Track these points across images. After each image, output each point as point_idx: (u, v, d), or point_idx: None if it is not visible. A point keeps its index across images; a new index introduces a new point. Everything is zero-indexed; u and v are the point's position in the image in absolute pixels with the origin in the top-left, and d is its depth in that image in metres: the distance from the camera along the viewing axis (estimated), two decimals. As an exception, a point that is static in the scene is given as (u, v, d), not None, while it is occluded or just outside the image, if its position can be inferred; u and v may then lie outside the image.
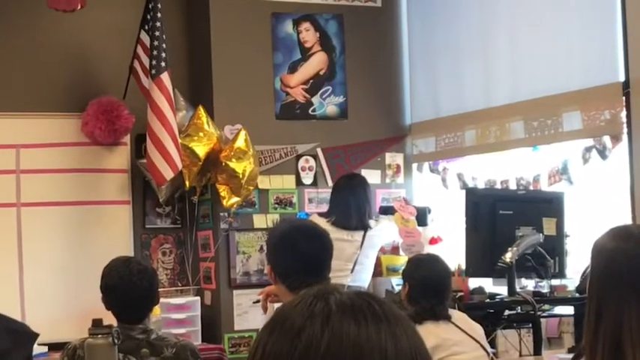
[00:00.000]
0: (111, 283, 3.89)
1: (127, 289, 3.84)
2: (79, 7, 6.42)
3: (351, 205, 6.41)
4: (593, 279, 2.51)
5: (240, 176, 6.65)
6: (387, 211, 6.79)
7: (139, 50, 6.71)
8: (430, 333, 4.36)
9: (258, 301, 4.09)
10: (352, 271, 6.36)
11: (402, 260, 7.03)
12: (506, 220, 5.59)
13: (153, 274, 3.99)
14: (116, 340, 3.38)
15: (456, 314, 4.62)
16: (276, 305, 3.94)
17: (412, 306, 4.51)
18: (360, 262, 6.41)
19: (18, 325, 3.65)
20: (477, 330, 4.60)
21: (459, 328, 4.50)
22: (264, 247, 6.99)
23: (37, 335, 3.63)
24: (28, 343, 3.58)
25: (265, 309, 3.83)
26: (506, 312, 5.50)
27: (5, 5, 6.77)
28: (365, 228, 6.42)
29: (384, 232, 6.65)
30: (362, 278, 6.46)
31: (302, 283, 3.39)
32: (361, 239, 6.39)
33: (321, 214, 6.49)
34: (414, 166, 7.54)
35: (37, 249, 6.73)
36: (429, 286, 4.52)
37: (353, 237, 6.37)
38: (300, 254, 3.55)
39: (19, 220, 6.72)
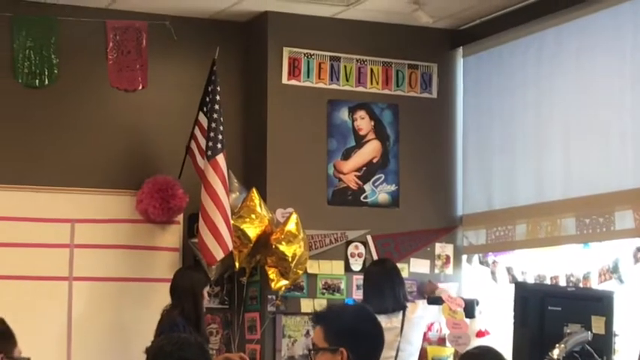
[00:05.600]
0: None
1: None
2: (140, 87, 6.58)
3: (385, 289, 6.37)
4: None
5: (290, 259, 6.68)
6: (435, 301, 6.76)
7: (196, 131, 6.80)
8: None
9: None
10: (395, 359, 6.30)
11: (447, 352, 7.00)
12: (554, 317, 5.53)
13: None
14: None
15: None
16: None
17: None
18: (402, 348, 6.35)
19: None
20: None
21: None
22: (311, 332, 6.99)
23: None
24: None
25: None
26: (553, 410, 5.43)
27: (68, 83, 6.92)
28: (402, 308, 6.37)
29: (426, 312, 6.61)
30: (407, 366, 6.40)
31: None
32: (400, 324, 6.34)
33: (356, 304, 6.45)
34: (464, 257, 7.53)
35: (87, 323, 6.77)
36: None
37: (392, 323, 6.31)
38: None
39: (70, 294, 6.78)
